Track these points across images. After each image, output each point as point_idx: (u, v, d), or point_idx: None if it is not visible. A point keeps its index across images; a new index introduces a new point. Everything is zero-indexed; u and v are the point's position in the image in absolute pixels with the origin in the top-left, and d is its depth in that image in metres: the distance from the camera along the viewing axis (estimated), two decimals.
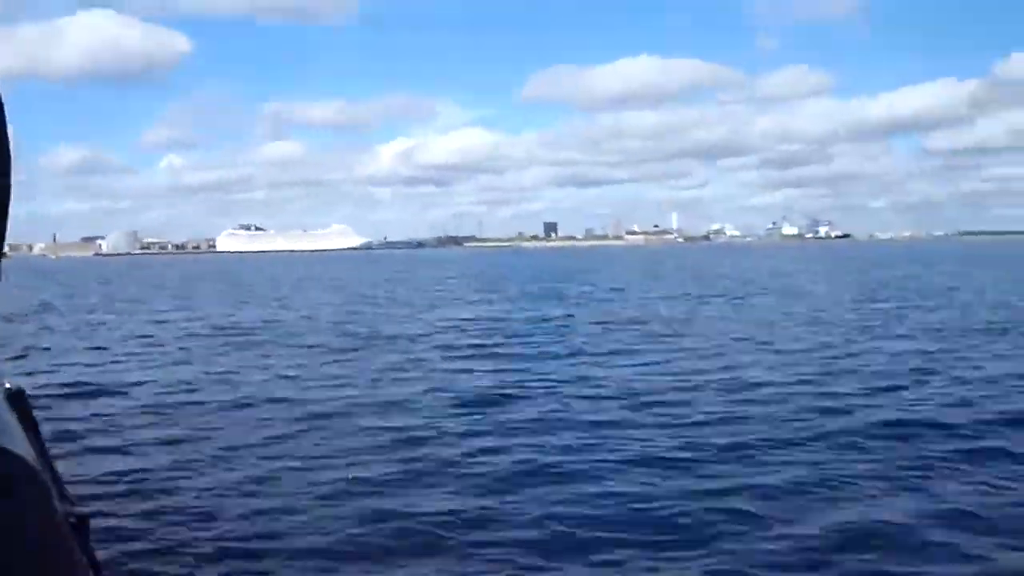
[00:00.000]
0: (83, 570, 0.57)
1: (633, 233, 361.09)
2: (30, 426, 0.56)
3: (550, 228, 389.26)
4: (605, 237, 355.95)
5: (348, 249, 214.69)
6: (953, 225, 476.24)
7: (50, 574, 0.53)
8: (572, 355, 16.15)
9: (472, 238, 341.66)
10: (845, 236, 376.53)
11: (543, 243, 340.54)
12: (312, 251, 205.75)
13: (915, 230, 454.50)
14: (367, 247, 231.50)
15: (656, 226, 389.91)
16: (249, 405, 11.14)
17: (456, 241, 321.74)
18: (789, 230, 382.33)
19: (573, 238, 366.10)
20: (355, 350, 17.24)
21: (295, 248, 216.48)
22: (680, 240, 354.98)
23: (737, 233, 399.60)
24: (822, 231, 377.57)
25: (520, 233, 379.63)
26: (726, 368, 13.75)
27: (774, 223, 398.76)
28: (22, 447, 0.54)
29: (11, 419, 0.55)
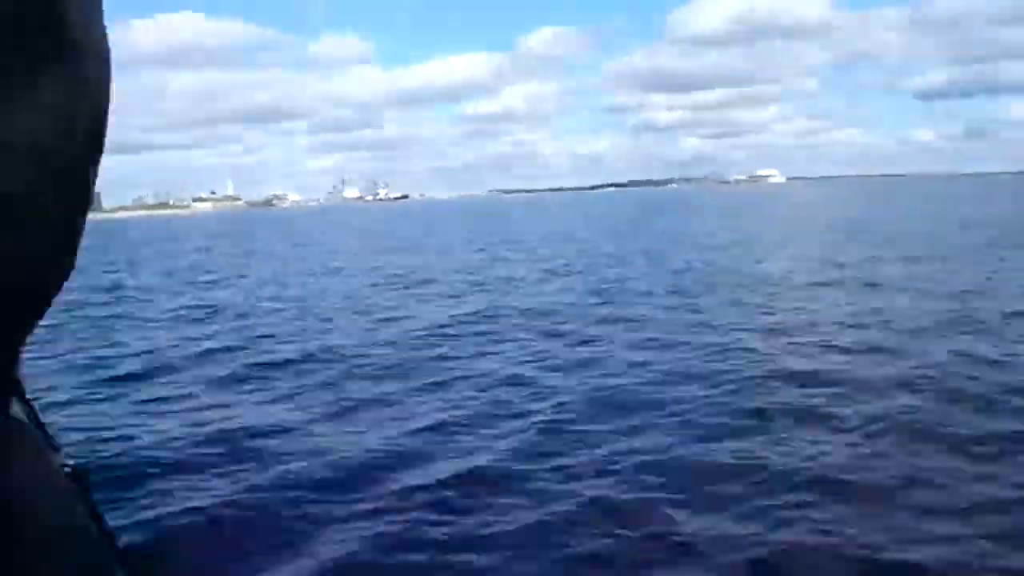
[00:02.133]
0: (83, 519, 0.56)
1: (201, 200, 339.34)
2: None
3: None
4: (165, 205, 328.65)
5: None
6: (487, 184, 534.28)
7: (50, 521, 0.51)
8: None
9: None
10: (403, 197, 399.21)
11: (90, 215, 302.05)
12: None
13: (459, 190, 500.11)
14: None
15: (213, 192, 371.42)
16: None
17: None
18: (351, 192, 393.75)
19: (123, 208, 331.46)
20: None
21: None
22: (246, 206, 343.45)
23: (299, 198, 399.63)
24: (381, 193, 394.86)
25: None
26: None
27: (335, 186, 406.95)
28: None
29: None
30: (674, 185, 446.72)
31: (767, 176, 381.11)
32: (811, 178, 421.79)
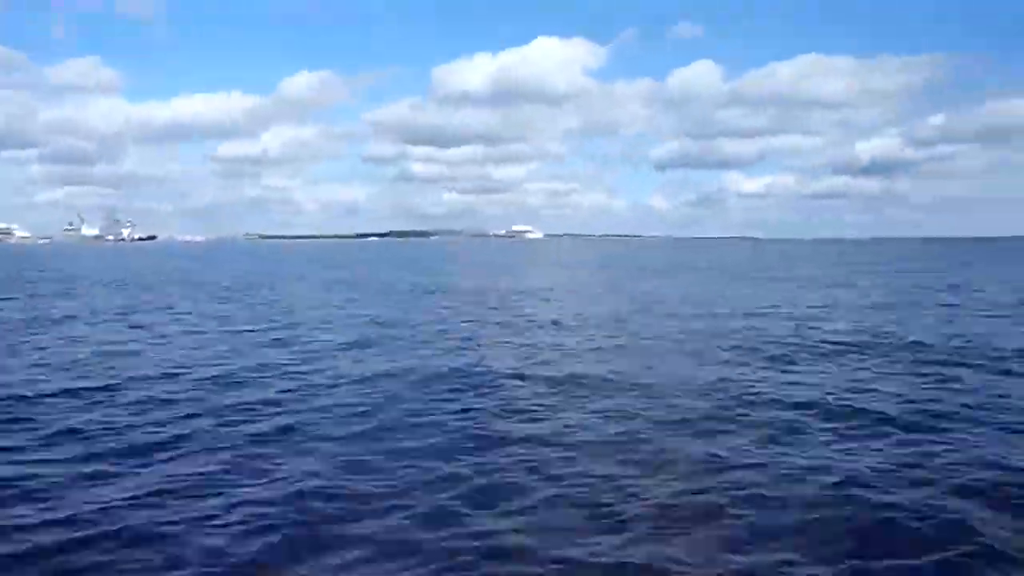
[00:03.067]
0: None
1: None
2: None
3: None
4: None
5: None
6: (242, 228, 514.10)
7: None
8: None
9: None
10: (151, 238, 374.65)
11: None
12: None
13: (211, 233, 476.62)
14: None
15: None
16: None
17: None
18: (89, 231, 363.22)
19: None
20: None
21: None
22: None
23: (28, 234, 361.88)
24: (125, 232, 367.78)
25: None
26: None
27: (71, 223, 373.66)
28: None
29: None
30: (435, 237, 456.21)
31: (524, 232, 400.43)
32: (565, 235, 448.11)
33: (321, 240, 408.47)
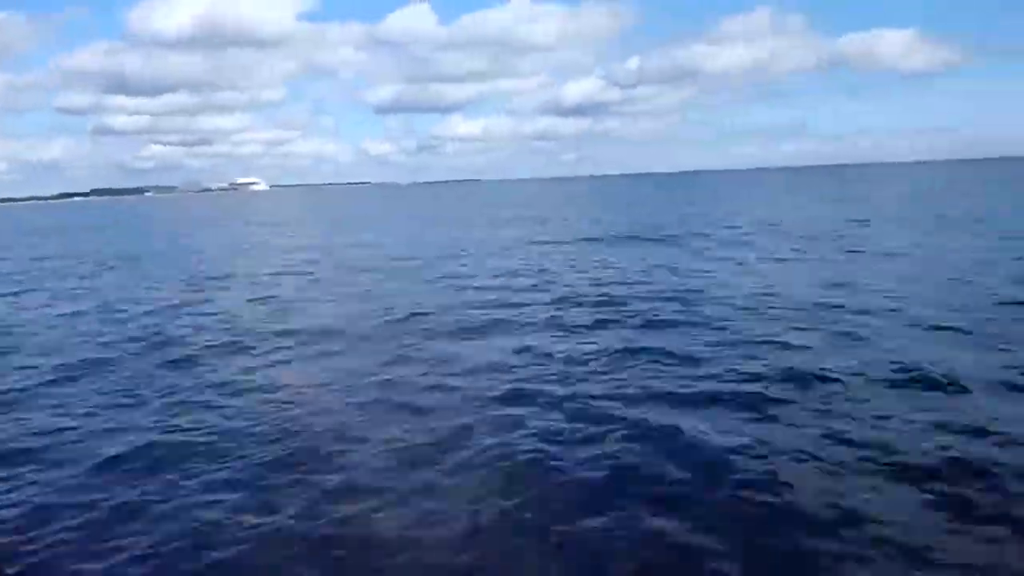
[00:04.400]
0: None
1: None
2: None
3: None
4: None
5: None
6: None
7: None
8: None
9: None
10: None
11: None
12: None
13: None
14: None
15: None
16: None
17: None
18: None
19: None
20: None
21: None
22: None
23: None
24: None
25: None
26: None
27: None
28: None
29: None
30: (149, 194, 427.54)
31: (249, 184, 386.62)
32: (293, 186, 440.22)
33: (12, 204, 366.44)
